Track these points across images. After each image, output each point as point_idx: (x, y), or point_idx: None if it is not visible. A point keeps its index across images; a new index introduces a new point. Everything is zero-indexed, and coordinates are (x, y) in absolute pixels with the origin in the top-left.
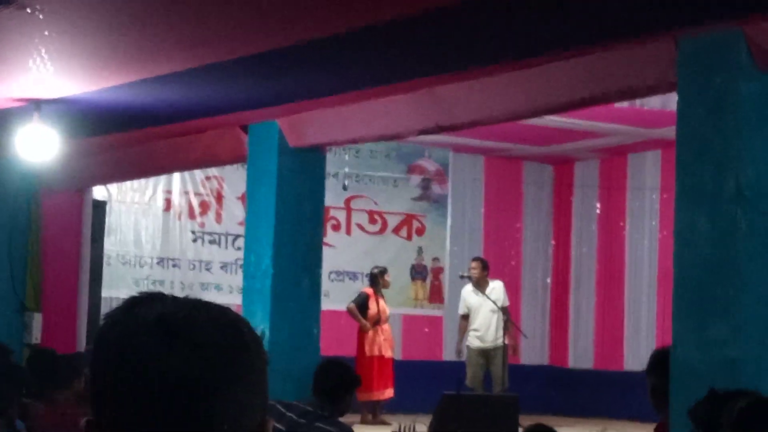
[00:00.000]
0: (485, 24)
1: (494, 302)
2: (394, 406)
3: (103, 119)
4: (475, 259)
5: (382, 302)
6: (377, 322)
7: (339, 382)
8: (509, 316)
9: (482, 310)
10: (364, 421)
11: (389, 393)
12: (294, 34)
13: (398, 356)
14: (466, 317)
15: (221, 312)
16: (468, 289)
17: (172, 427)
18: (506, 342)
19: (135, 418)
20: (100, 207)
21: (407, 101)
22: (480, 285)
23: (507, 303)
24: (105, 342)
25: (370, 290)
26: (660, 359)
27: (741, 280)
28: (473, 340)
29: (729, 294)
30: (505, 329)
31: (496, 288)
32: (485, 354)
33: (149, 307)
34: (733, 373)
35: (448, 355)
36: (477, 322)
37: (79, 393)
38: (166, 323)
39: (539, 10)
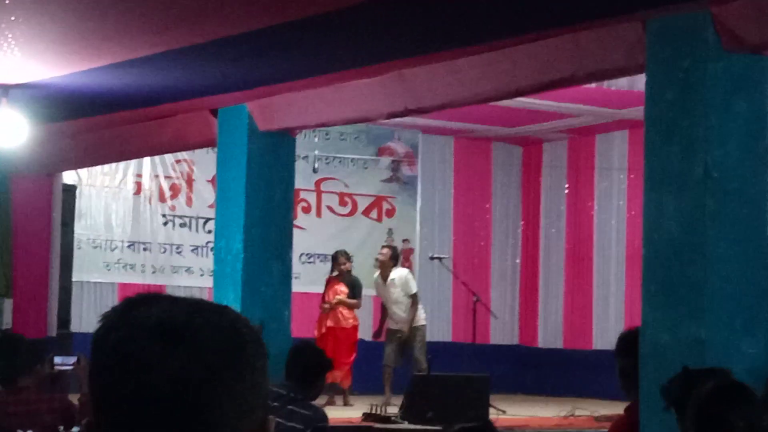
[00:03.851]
0: (453, 7)
1: (393, 292)
2: (365, 388)
3: (72, 104)
4: (387, 246)
5: (335, 286)
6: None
7: (312, 365)
8: (415, 303)
9: (387, 296)
10: (329, 404)
11: (340, 378)
12: (263, 18)
13: (369, 337)
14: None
15: (219, 313)
16: (377, 275)
17: (171, 430)
18: (421, 324)
19: (136, 422)
20: (70, 191)
21: (376, 85)
22: (382, 274)
23: (413, 290)
24: (104, 346)
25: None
26: (628, 341)
27: (709, 261)
28: (390, 321)
29: (697, 274)
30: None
31: (395, 279)
32: (401, 334)
33: (147, 310)
34: (702, 353)
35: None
36: (387, 307)
37: (41, 379)
38: (165, 327)
39: None
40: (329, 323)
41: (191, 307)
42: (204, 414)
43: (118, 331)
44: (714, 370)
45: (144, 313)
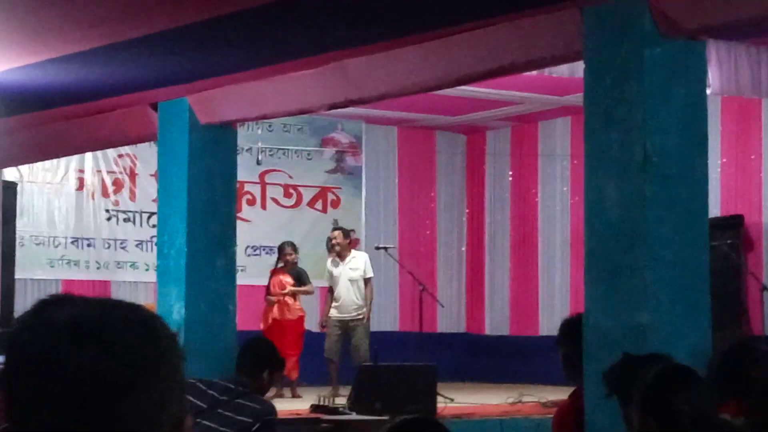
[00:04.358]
0: None
1: (352, 271)
2: (313, 379)
3: (9, 100)
4: (337, 228)
5: (276, 277)
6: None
7: (263, 359)
8: (371, 288)
9: (341, 280)
10: (278, 396)
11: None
12: (202, 10)
13: (316, 328)
14: (332, 290)
15: (133, 310)
16: (330, 260)
17: (86, 428)
18: (369, 312)
19: (49, 420)
20: (11, 188)
21: (316, 76)
22: (340, 255)
23: (370, 274)
24: (17, 347)
25: (273, 268)
26: (570, 328)
27: (649, 246)
28: (333, 311)
29: (638, 260)
30: (366, 300)
31: (356, 258)
32: (344, 325)
33: (59, 310)
34: (644, 338)
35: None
36: (336, 292)
37: None
38: (77, 325)
39: None
40: (275, 315)
41: (104, 305)
42: (118, 411)
43: (30, 331)
44: (655, 356)
45: (56, 313)
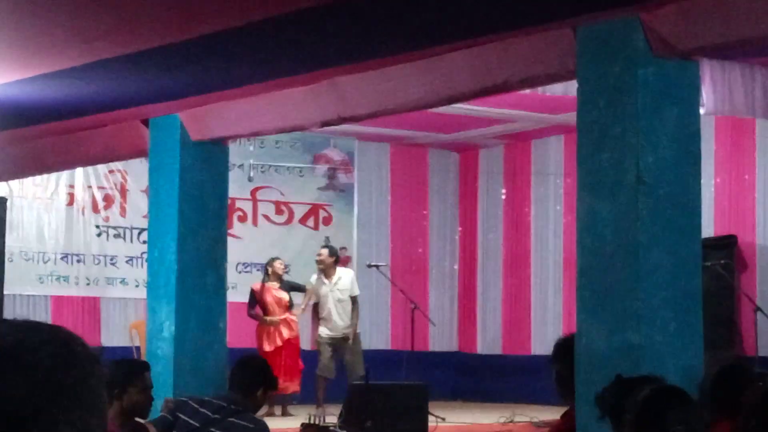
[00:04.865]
0: (384, 14)
1: (340, 291)
2: (303, 398)
3: (0, 115)
4: (324, 246)
5: (273, 293)
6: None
7: (256, 378)
8: (357, 306)
9: (329, 300)
10: (269, 414)
11: (293, 387)
12: (194, 27)
13: (306, 346)
14: (316, 306)
15: (52, 332)
16: (314, 278)
17: None
18: (356, 330)
19: None
20: (0, 203)
21: (308, 93)
22: (327, 273)
23: (356, 292)
24: None
25: (257, 284)
26: (564, 347)
27: (642, 266)
28: (322, 329)
29: (630, 280)
30: (353, 318)
31: (343, 277)
32: (336, 342)
33: None
34: (637, 358)
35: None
36: (325, 311)
37: None
38: None
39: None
40: (285, 336)
41: (21, 327)
42: (32, 429)
43: None
44: (647, 378)
45: None
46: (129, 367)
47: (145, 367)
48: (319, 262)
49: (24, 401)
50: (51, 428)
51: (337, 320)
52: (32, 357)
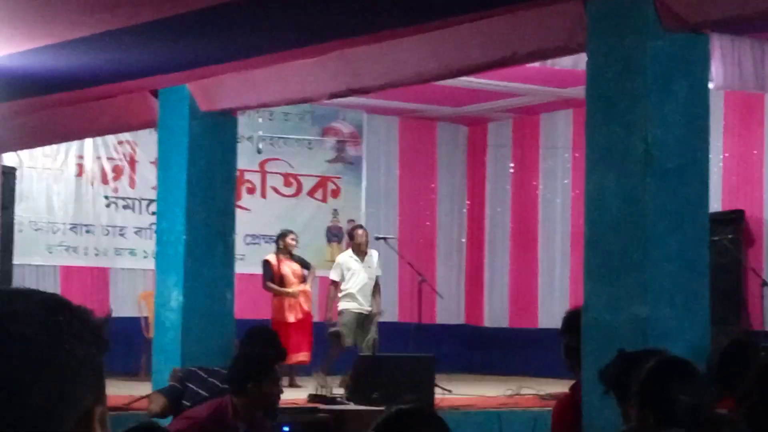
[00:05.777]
0: None
1: (370, 270)
2: (311, 368)
3: (10, 85)
4: (362, 227)
5: (288, 264)
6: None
7: (266, 348)
8: (379, 286)
9: (361, 277)
10: None
11: (302, 357)
12: None
13: (315, 318)
14: (337, 284)
15: (41, 301)
16: (348, 255)
17: None
18: (378, 310)
19: None
20: (10, 173)
21: (318, 64)
22: (360, 251)
23: (380, 272)
24: None
25: (271, 256)
26: (573, 320)
27: (649, 239)
28: (349, 303)
29: (637, 253)
30: (374, 298)
31: (373, 256)
32: (362, 318)
33: None
34: (643, 331)
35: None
36: (354, 287)
37: None
38: None
39: None
40: (306, 308)
41: (11, 296)
42: (19, 402)
43: None
44: (650, 351)
45: None
46: (263, 360)
47: (280, 357)
48: (360, 243)
49: (8, 373)
50: (30, 397)
51: (362, 298)
52: (14, 328)
